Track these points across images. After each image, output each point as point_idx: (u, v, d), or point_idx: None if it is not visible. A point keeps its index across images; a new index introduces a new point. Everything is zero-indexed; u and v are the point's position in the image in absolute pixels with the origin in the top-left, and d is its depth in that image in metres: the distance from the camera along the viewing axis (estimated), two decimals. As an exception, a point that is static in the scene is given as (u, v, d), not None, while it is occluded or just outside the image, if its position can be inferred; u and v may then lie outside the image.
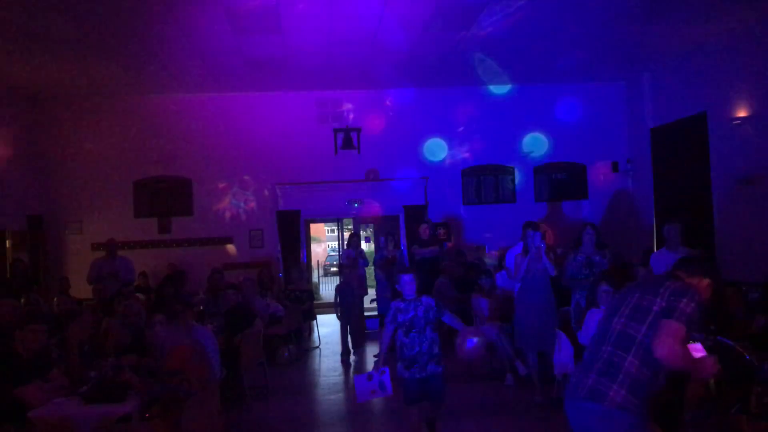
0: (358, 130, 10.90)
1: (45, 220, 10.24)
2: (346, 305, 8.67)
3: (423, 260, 9.73)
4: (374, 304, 10.53)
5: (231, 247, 10.59)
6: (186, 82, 9.90)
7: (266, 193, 10.82)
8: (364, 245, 12.66)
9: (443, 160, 11.06)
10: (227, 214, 10.82)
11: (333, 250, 23.98)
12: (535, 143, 11.14)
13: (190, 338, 5.08)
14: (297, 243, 10.79)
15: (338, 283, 9.05)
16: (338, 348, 9.00)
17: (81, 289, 9.28)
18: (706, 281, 2.97)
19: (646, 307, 2.86)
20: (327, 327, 10.79)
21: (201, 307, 7.79)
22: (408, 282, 4.64)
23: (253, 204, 10.85)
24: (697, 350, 3.01)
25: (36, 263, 9.97)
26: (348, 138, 10.84)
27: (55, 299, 8.44)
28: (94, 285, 8.95)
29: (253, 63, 8.93)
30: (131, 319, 5.57)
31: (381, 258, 9.99)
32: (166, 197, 10.72)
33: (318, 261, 20.70)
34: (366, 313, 9.83)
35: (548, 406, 5.75)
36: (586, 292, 5.97)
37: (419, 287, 4.70)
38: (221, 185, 10.78)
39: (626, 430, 2.73)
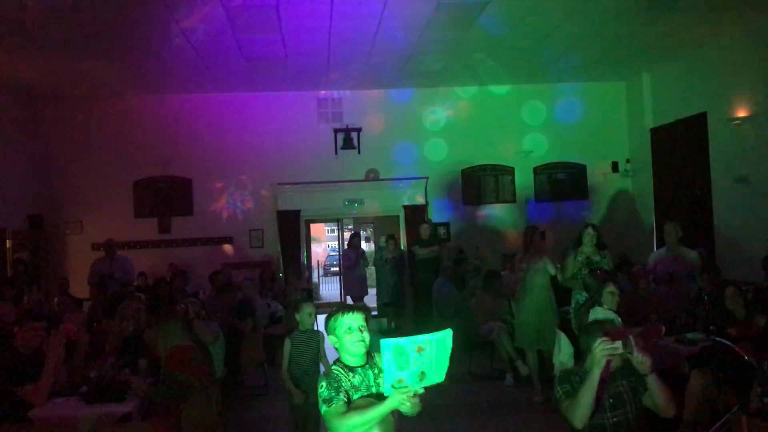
0: (358, 130, 10.89)
1: (45, 219, 10.24)
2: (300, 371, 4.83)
3: (423, 260, 9.74)
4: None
5: (228, 247, 10.60)
6: (186, 82, 9.90)
7: (266, 193, 10.81)
8: (364, 245, 12.65)
9: (443, 160, 11.05)
10: (227, 214, 10.81)
11: (333, 250, 23.96)
12: (535, 143, 11.14)
13: (189, 338, 5.07)
14: (297, 243, 10.78)
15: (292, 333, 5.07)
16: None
17: (81, 289, 9.28)
18: None
19: None
20: (327, 327, 10.78)
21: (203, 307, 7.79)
22: (355, 341, 2.62)
23: (253, 204, 10.84)
24: None
25: (36, 263, 9.97)
26: (348, 138, 10.84)
27: (56, 299, 8.44)
28: (93, 286, 8.98)
29: (253, 63, 8.93)
30: (130, 319, 5.56)
31: (381, 258, 9.99)
32: (166, 197, 10.71)
33: (318, 261, 20.71)
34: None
35: (548, 406, 5.75)
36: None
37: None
38: (221, 185, 10.78)
39: None
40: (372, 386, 2.60)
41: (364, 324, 2.66)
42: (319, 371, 4.83)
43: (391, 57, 8.96)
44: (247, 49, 8.31)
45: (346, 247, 11.17)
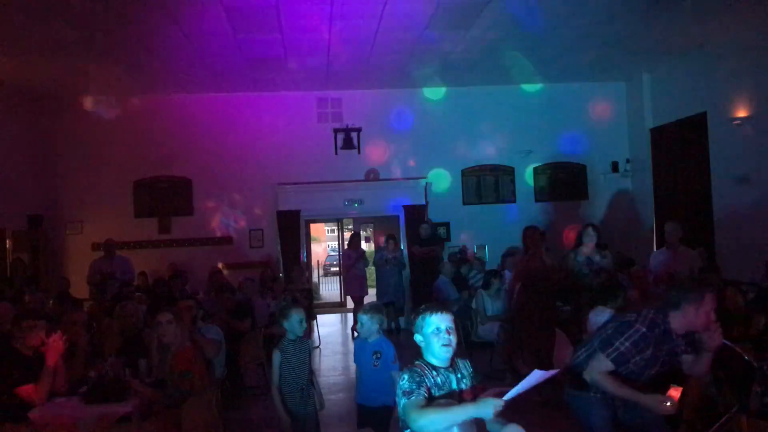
0: (358, 130, 10.89)
1: (45, 219, 10.24)
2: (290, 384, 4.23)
3: (423, 260, 9.74)
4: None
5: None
6: (186, 82, 9.90)
7: (266, 193, 10.81)
8: (363, 245, 12.64)
9: (443, 160, 11.05)
10: (227, 214, 10.82)
11: (333, 250, 23.96)
12: (535, 143, 11.13)
13: (190, 339, 5.07)
14: (297, 243, 10.78)
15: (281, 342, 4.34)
16: (339, 348, 8.91)
17: (81, 289, 9.28)
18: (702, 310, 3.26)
19: (597, 335, 3.48)
20: (327, 327, 10.81)
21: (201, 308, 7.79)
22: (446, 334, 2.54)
23: (253, 204, 10.84)
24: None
25: (36, 263, 9.97)
26: (348, 138, 10.84)
27: (50, 301, 8.42)
28: (92, 285, 8.97)
29: (253, 63, 8.93)
30: (127, 320, 5.56)
31: (381, 258, 9.98)
32: (166, 197, 10.71)
33: (318, 261, 20.70)
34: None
35: (548, 406, 5.74)
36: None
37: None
38: (221, 185, 10.77)
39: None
40: (454, 390, 2.53)
41: (452, 326, 2.55)
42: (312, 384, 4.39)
43: (391, 57, 8.96)
44: (247, 49, 8.32)
45: (346, 247, 11.16)
